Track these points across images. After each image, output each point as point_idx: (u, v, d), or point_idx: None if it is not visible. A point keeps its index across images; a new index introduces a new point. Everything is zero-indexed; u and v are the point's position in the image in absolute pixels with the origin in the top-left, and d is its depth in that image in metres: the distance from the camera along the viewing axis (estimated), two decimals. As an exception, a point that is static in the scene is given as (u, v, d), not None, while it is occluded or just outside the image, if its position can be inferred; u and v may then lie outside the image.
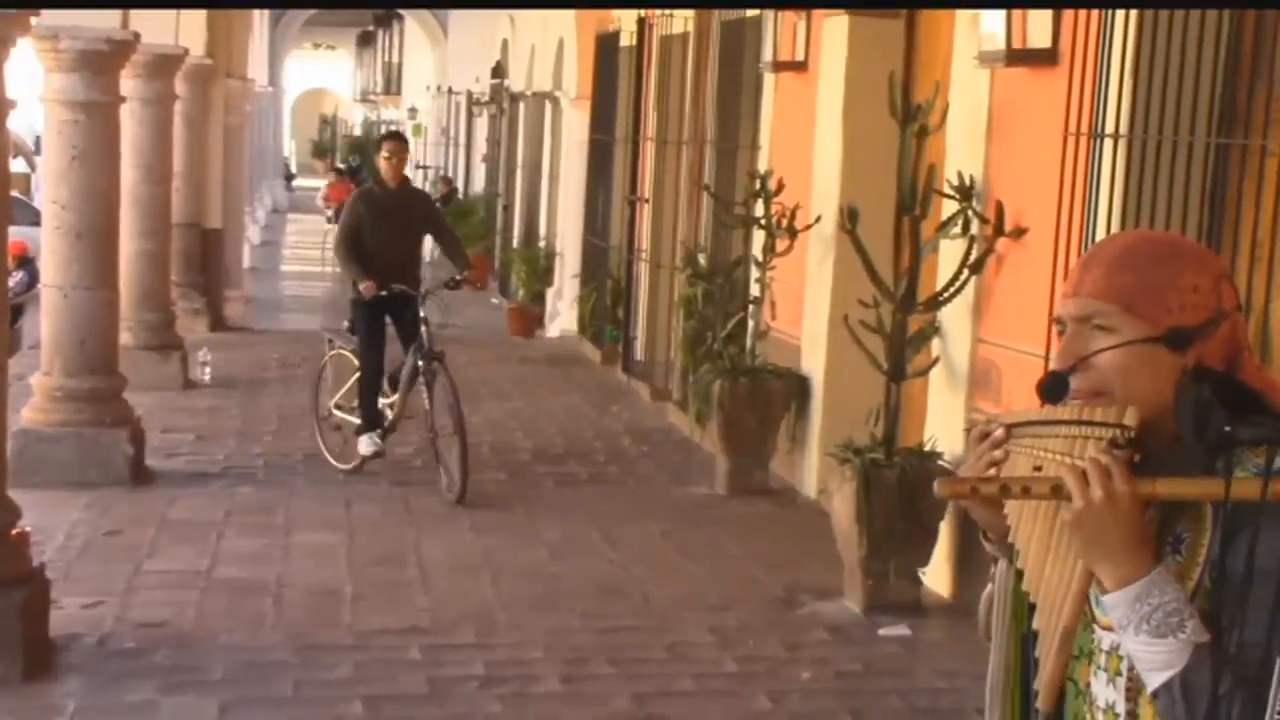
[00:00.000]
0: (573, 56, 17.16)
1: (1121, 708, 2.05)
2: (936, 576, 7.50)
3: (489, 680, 6.25)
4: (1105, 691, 2.08)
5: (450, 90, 29.91)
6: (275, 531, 8.48)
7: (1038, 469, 2.04)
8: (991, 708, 2.29)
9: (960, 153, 7.50)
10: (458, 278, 10.08)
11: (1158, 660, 1.92)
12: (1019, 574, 2.17)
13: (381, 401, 9.81)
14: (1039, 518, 2.05)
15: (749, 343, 10.02)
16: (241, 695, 6.04)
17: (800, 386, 9.57)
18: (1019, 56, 6.80)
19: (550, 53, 18.77)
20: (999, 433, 2.11)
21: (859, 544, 7.21)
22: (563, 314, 17.23)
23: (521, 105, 21.15)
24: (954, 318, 7.53)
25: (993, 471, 2.09)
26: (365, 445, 9.75)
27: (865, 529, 7.17)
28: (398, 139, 10.41)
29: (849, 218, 7.41)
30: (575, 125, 16.86)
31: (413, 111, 37.08)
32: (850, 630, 7.09)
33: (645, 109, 13.69)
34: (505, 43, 23.36)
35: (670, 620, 7.15)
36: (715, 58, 11.70)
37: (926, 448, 7.40)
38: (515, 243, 21.07)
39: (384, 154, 10.09)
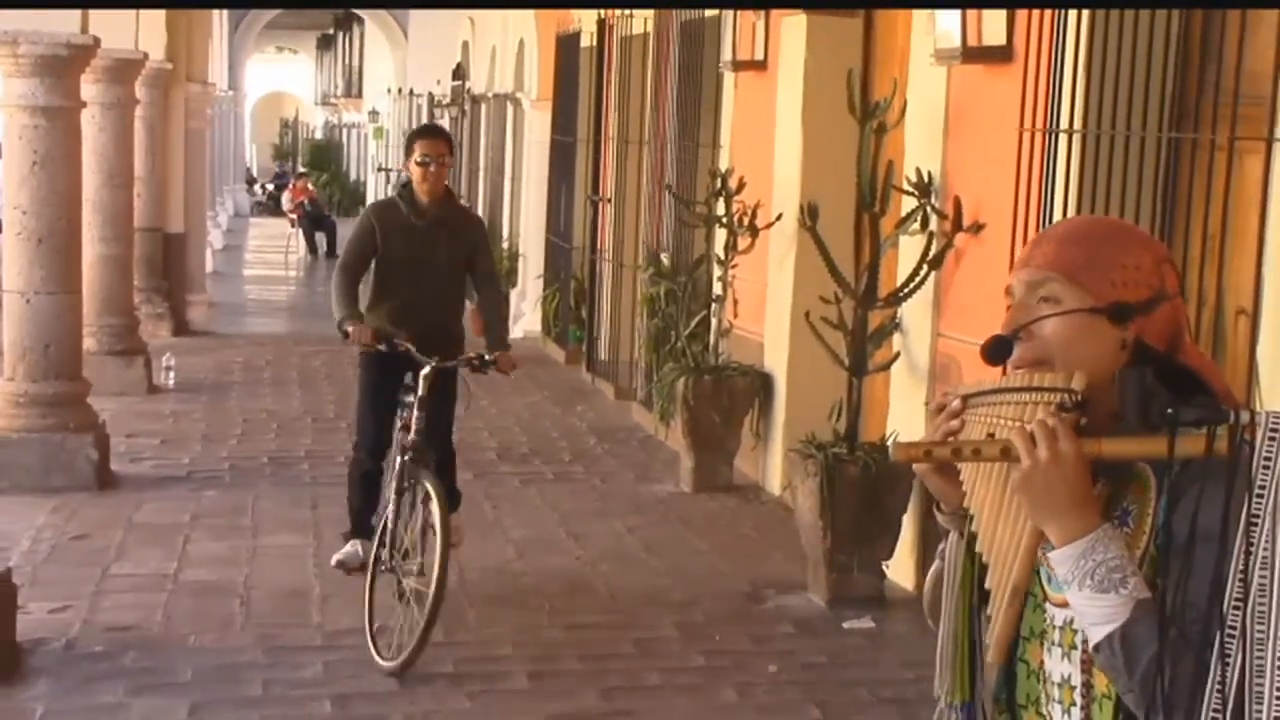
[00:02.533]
0: (533, 58, 17.20)
1: (1077, 679, 2.13)
2: (899, 570, 7.57)
3: (458, 677, 6.29)
4: (1060, 666, 2.15)
5: (411, 92, 29.87)
6: (242, 534, 8.50)
7: (991, 435, 2.11)
8: (941, 675, 2.37)
9: (918, 149, 7.58)
10: (486, 357, 6.90)
11: (1100, 615, 2.00)
12: (969, 545, 2.24)
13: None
14: (992, 482, 2.13)
15: (712, 340, 10.09)
16: (211, 696, 6.07)
17: (763, 383, 9.64)
18: (975, 54, 6.88)
19: (511, 54, 18.79)
20: (955, 404, 2.20)
21: (823, 538, 7.28)
22: (527, 314, 17.27)
23: (483, 107, 21.17)
24: (914, 313, 7.60)
25: (949, 438, 2.17)
26: (343, 552, 7.46)
27: (829, 523, 7.23)
28: (437, 136, 7.44)
29: (809, 214, 7.48)
30: (537, 126, 16.91)
31: (374, 114, 37.01)
32: (815, 623, 7.16)
33: (606, 109, 13.75)
34: (466, 45, 23.37)
35: (637, 616, 7.21)
36: (675, 58, 11.76)
37: (888, 442, 7.47)
38: (478, 244, 21.09)
39: (416, 157, 7.15)
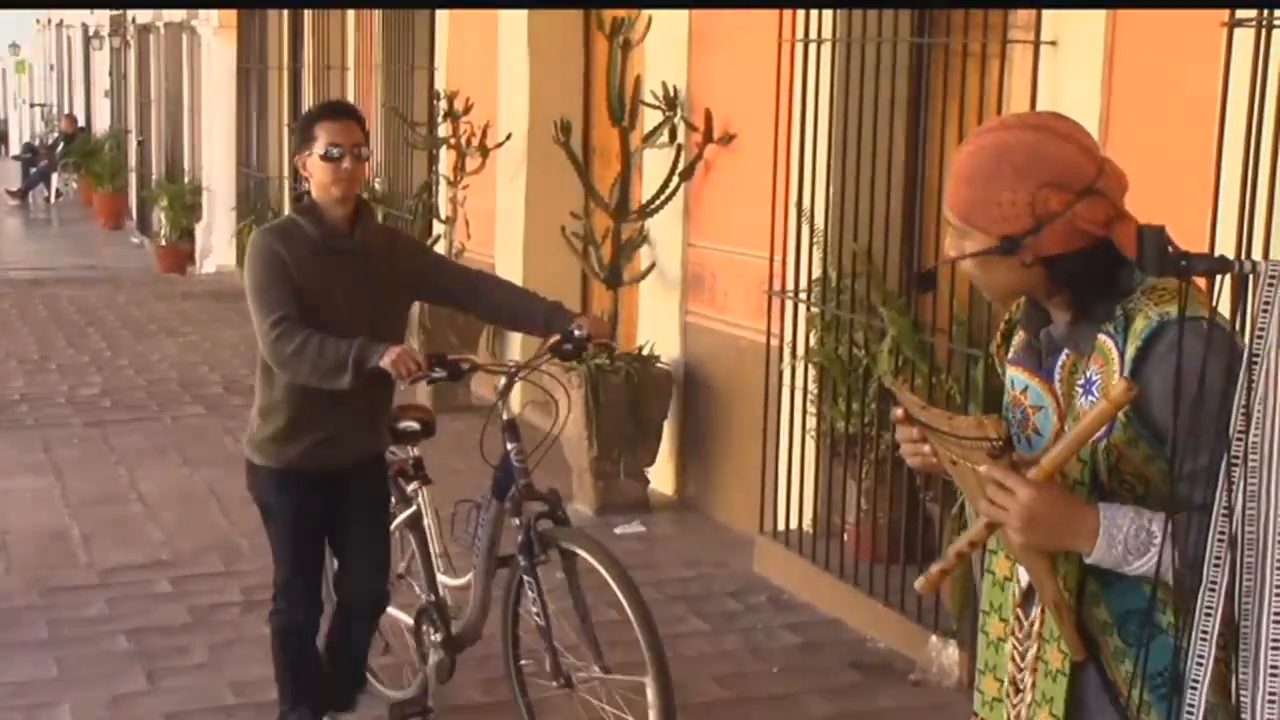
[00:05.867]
0: (211, -16, 16.74)
1: None
2: (660, 475, 7.79)
3: (250, 605, 6.20)
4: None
5: (61, 23, 28.66)
6: (-24, 479, 8.20)
7: (954, 462, 2.34)
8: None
9: (662, 65, 7.73)
10: (577, 333, 4.61)
11: (1151, 566, 2.20)
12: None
13: (445, 582, 5.25)
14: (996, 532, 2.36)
15: (443, 263, 10.09)
16: (-4, 642, 5.88)
17: (497, 303, 9.70)
18: (722, -32, 7.06)
19: (183, -19, 18.23)
20: (899, 413, 2.43)
21: (589, 448, 7.43)
22: (218, 249, 16.89)
23: (153, 37, 20.48)
24: (664, 225, 7.78)
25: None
26: None
27: (594, 433, 7.39)
28: (348, 116, 4.54)
29: (562, 130, 7.57)
30: (220, 55, 16.48)
31: (15, 47, 35.40)
32: (587, 531, 7.28)
33: (302, 36, 13.51)
34: (125, -27, 22.54)
35: (411, 535, 7.23)
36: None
37: (645, 351, 7.66)
38: (156, 179, 20.43)
39: (318, 147, 4.42)
